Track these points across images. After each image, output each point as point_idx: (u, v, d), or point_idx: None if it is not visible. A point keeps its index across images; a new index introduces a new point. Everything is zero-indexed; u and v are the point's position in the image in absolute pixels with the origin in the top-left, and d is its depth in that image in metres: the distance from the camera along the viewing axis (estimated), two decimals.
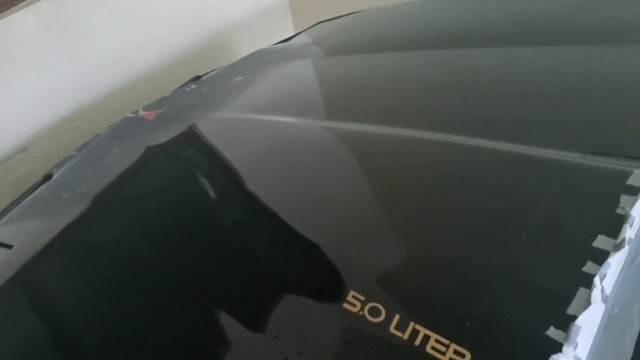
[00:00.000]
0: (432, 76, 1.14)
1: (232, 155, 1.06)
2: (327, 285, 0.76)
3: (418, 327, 0.65)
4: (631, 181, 0.73)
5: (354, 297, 0.71)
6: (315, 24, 1.71)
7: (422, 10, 1.51)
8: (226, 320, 0.77)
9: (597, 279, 0.62)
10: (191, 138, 1.17)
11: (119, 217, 1.03)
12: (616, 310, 0.62)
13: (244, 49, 1.78)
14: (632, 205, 0.69)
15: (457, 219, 0.78)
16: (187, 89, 1.38)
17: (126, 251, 0.95)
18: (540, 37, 1.15)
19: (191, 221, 0.96)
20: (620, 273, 0.65)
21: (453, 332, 0.63)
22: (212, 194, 1.03)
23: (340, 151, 1.01)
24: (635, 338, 0.60)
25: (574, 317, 0.60)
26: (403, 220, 0.81)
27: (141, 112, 1.31)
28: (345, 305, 0.70)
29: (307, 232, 0.83)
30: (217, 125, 1.19)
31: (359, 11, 1.70)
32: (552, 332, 0.60)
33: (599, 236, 0.68)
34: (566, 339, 0.58)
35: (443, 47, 1.22)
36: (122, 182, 1.10)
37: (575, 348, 0.57)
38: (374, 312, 0.68)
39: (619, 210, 0.70)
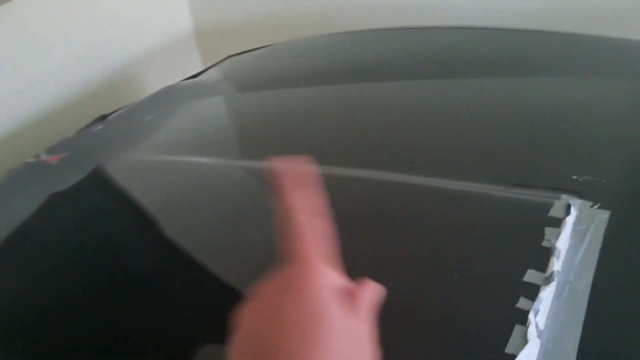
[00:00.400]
0: (350, 111, 1.13)
1: (146, 199, 1.01)
2: None
3: None
4: (553, 213, 0.75)
5: None
6: (225, 58, 1.68)
7: (337, 44, 1.52)
8: None
9: (531, 315, 0.62)
10: (100, 182, 1.10)
11: (24, 272, 0.95)
12: (551, 346, 0.62)
13: (151, 86, 1.72)
14: (557, 237, 0.70)
15: (384, 260, 0.76)
16: (94, 129, 1.31)
17: (32, 311, 0.87)
18: (459, 70, 1.18)
19: (105, 273, 0.90)
20: (551, 307, 0.66)
21: None
22: (125, 242, 0.97)
23: (259, 192, 0.98)
24: None
25: (512, 356, 0.59)
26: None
27: (43, 157, 1.22)
28: None
29: (230, 278, 0.80)
30: (128, 168, 1.13)
31: (270, 45, 1.69)
32: None
33: (528, 270, 0.68)
34: None
35: (361, 81, 1.22)
36: (25, 234, 1.01)
37: None
38: None
39: (544, 243, 0.71)
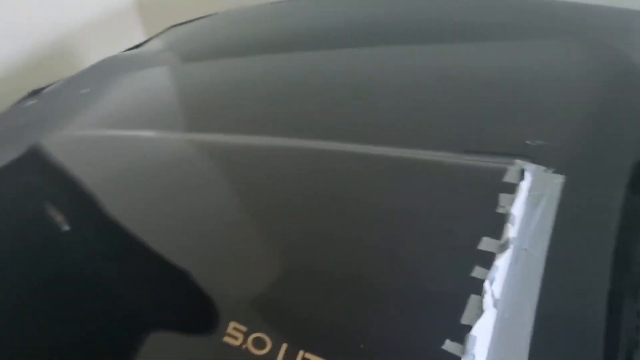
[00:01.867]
0: (298, 80, 1.09)
1: (89, 177, 0.95)
2: (204, 318, 0.68)
3: (308, 355, 0.59)
4: (507, 179, 0.72)
5: (235, 329, 0.64)
6: (168, 28, 1.61)
7: (283, 12, 1.47)
8: None
9: (487, 284, 0.59)
10: (37, 161, 1.04)
11: None
12: (507, 315, 0.60)
13: (91, 59, 1.63)
14: (511, 203, 0.68)
15: (338, 234, 0.73)
16: (25, 105, 1.23)
17: None
18: (410, 36, 1.14)
19: (45, 256, 0.84)
20: (507, 275, 0.64)
21: (346, 357, 0.59)
22: (69, 224, 0.90)
23: (208, 165, 0.93)
24: (528, 340, 0.58)
25: (468, 327, 0.57)
26: (282, 239, 0.75)
27: None
28: (226, 339, 0.63)
29: (179, 260, 0.75)
30: (65, 145, 1.06)
31: (214, 14, 1.62)
32: (449, 345, 0.57)
33: (483, 238, 0.66)
34: (463, 351, 0.55)
35: (308, 49, 1.18)
36: None
37: None
38: (259, 343, 0.62)
39: (499, 210, 0.68)
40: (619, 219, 0.69)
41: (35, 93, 1.30)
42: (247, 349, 0.62)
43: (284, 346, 0.61)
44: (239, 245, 0.75)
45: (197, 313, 0.69)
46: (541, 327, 0.59)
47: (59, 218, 0.91)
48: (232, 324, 0.64)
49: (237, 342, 0.62)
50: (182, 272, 0.73)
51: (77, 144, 1.07)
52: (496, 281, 0.61)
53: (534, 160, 0.75)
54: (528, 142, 0.79)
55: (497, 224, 0.66)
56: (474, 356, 0.55)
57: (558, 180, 0.72)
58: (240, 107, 1.05)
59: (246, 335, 0.62)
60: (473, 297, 0.60)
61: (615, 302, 0.61)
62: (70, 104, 1.18)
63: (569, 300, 0.61)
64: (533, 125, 0.84)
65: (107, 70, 1.32)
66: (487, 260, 0.62)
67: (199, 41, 1.45)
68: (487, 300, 0.59)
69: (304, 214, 0.77)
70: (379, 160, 0.82)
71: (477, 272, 0.62)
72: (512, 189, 0.70)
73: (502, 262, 0.62)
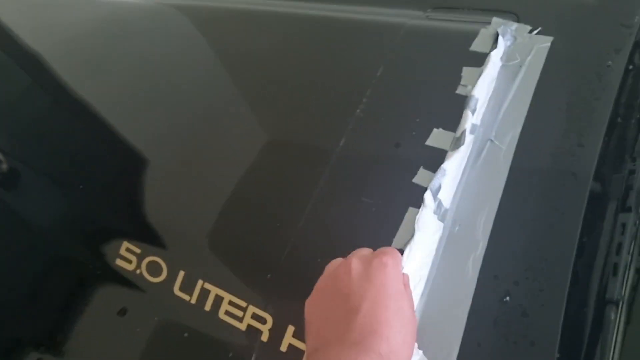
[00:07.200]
0: None
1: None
2: (98, 233, 0.57)
3: (208, 285, 0.49)
4: (476, 45, 0.56)
5: (127, 250, 0.53)
6: None
7: None
8: None
9: (428, 195, 0.46)
10: None
11: None
12: (457, 228, 0.47)
13: None
14: (475, 81, 0.52)
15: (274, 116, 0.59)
16: None
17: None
18: None
19: None
20: (462, 175, 0.49)
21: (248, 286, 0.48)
22: None
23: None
24: (479, 262, 0.45)
25: (400, 252, 0.44)
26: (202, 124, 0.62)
27: None
28: (118, 262, 0.52)
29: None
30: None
31: None
32: None
33: (435, 130, 0.51)
34: None
35: None
36: None
37: None
38: (153, 269, 0.51)
39: (459, 90, 0.53)
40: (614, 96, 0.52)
41: None
42: (140, 275, 0.51)
43: (181, 273, 0.50)
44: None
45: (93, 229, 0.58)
46: (499, 245, 0.46)
47: None
48: (125, 245, 0.53)
49: (130, 267, 0.52)
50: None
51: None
52: (445, 187, 0.47)
53: (519, 18, 0.58)
54: None
55: (453, 109, 0.51)
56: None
57: (544, 44, 0.55)
58: None
59: (140, 258, 0.52)
60: (410, 211, 0.47)
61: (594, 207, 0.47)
62: None
63: (536, 211, 0.47)
64: None
65: None
66: (436, 159, 0.48)
67: None
68: (426, 215, 0.45)
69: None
70: (346, 23, 0.66)
71: (420, 177, 0.48)
72: (479, 60, 0.54)
73: (453, 164, 0.48)
